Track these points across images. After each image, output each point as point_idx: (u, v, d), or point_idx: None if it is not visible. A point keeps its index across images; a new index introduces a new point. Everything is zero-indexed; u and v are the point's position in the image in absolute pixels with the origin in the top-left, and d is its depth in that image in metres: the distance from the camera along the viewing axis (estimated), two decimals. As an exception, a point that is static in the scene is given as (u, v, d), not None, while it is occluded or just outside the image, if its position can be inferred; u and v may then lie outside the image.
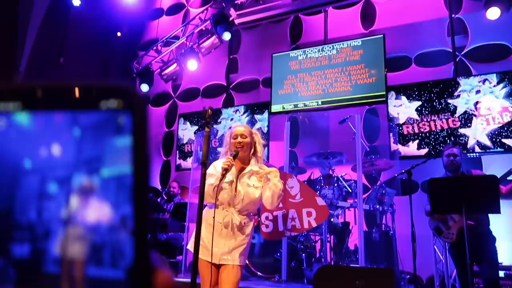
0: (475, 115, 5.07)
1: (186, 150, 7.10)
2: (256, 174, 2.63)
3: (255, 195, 2.58)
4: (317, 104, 5.39)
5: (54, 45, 7.12)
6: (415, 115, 5.38)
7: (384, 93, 5.29)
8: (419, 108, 5.39)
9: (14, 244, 0.24)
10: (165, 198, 6.15)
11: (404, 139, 5.37)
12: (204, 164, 2.00)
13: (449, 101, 5.25)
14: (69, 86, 0.23)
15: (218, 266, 2.55)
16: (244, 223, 2.58)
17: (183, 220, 5.39)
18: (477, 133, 5.02)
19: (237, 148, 2.62)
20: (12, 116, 0.23)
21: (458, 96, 5.22)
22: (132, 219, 0.24)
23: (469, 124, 5.08)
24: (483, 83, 5.15)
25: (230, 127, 2.70)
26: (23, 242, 0.24)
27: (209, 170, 2.56)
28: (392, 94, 5.46)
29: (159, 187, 7.25)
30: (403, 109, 5.44)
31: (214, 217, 2.49)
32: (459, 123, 5.14)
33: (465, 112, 5.14)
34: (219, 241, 2.50)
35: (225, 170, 2.46)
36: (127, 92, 0.23)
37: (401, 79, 5.81)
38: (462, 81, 5.25)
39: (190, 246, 2.48)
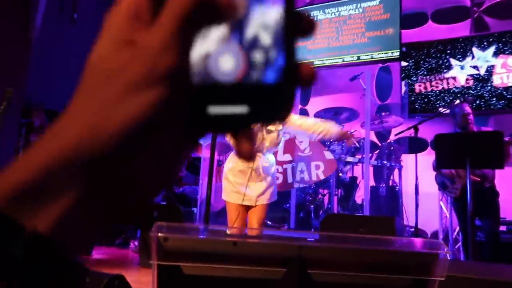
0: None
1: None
2: None
3: (275, 136, 2.81)
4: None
5: (68, 0, 7.13)
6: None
7: (398, 50, 5.24)
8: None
9: None
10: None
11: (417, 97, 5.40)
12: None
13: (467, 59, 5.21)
14: None
15: (246, 208, 2.84)
16: (270, 164, 2.85)
17: (197, 174, 5.61)
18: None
19: None
20: None
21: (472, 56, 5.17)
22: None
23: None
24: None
25: None
26: None
27: None
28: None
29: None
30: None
31: (252, 167, 2.75)
32: (472, 81, 5.13)
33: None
34: (251, 185, 2.78)
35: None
36: None
37: (416, 37, 5.72)
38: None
39: (225, 196, 2.81)
